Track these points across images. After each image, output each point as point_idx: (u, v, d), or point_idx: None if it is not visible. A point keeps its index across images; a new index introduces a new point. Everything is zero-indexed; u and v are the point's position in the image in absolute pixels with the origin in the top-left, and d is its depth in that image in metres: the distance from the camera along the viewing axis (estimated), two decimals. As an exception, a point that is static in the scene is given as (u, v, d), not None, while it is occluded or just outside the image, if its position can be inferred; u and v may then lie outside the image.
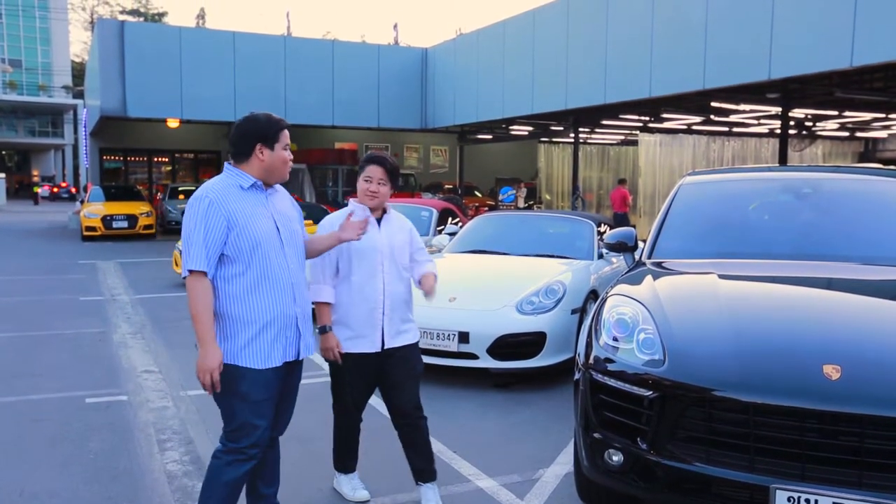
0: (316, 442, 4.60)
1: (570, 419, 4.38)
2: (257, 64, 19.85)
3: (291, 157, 3.02)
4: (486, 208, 22.71)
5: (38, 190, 48.59)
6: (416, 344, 3.66)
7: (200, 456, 4.33)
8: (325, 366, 6.41)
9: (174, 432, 4.77)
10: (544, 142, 25.05)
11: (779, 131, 16.02)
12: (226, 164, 2.98)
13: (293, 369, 3.06)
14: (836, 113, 17.53)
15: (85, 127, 30.31)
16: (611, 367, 3.08)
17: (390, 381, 3.56)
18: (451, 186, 25.47)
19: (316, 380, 6.08)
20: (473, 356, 5.70)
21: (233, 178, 2.90)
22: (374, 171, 3.50)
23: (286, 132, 2.96)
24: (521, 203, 22.89)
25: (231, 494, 2.91)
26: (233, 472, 2.87)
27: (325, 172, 24.65)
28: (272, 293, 2.87)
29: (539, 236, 7.68)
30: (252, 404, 2.85)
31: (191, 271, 2.76)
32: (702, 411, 2.79)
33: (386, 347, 3.51)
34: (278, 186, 3.06)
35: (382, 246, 3.51)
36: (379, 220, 3.57)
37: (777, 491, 2.58)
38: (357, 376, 3.54)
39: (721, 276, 3.49)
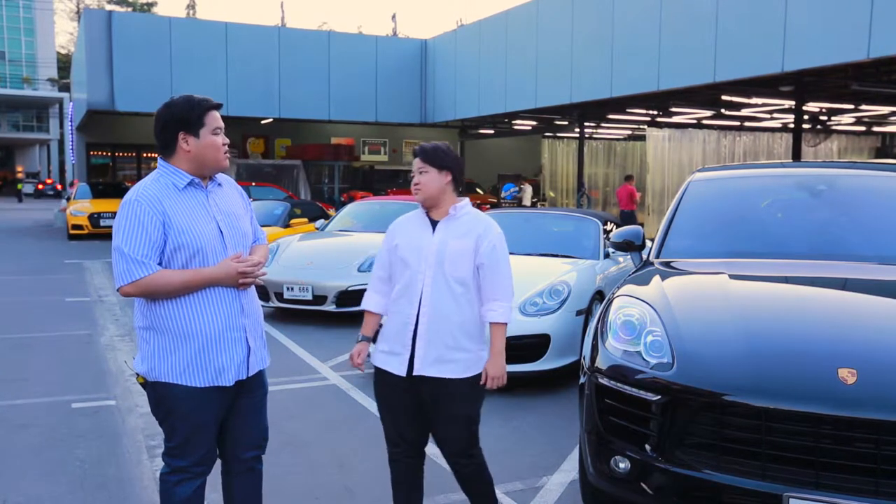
0: (311, 448, 4.52)
1: (574, 425, 4.29)
2: (250, 56, 19.62)
3: (227, 140, 2.69)
4: (488, 206, 22.61)
5: (21, 187, 47.68)
6: (464, 381, 2.93)
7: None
8: (321, 370, 6.44)
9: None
10: (548, 137, 24.96)
11: (792, 126, 15.89)
12: (158, 159, 2.70)
13: (249, 385, 2.79)
14: (852, 107, 17.36)
15: (71, 121, 30.17)
16: (617, 370, 3.01)
17: (426, 415, 3.02)
18: (451, 183, 25.28)
19: (311, 384, 6.00)
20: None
21: (167, 176, 2.62)
22: (414, 164, 3.07)
23: (214, 113, 2.64)
24: (527, 201, 22.72)
25: None
26: (183, 490, 2.69)
27: (321, 169, 24.54)
28: (216, 303, 2.61)
29: (543, 235, 7.55)
30: (195, 424, 2.64)
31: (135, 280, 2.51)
32: (712, 416, 2.73)
33: (415, 374, 2.92)
34: (223, 179, 2.77)
35: (429, 252, 2.95)
36: (436, 222, 3.02)
37: (790, 499, 2.52)
38: (389, 397, 3.02)
39: (732, 277, 3.42)
